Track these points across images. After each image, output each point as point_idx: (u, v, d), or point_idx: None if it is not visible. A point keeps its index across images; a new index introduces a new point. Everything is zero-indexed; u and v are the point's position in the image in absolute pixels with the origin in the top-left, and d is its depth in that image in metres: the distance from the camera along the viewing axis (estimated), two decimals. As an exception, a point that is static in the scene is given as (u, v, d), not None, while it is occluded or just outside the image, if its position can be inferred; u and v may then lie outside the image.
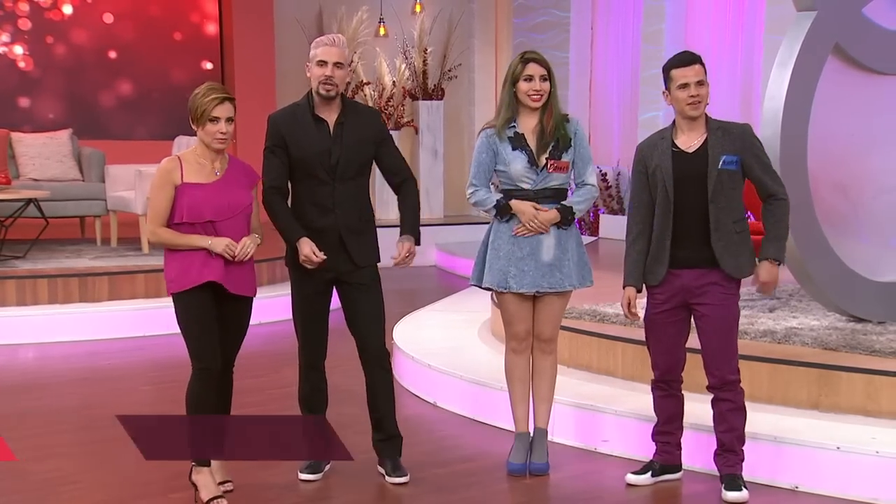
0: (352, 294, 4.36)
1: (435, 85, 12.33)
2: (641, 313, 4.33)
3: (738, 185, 4.15)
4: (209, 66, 12.06)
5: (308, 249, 4.19)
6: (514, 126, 4.39)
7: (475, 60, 13.09)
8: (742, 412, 4.18)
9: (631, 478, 4.37)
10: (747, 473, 4.22)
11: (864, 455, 4.17)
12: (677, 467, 4.40)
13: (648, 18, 10.81)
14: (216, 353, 4.05)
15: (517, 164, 4.34)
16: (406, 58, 12.28)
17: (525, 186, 4.36)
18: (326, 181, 4.26)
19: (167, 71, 11.86)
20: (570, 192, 4.43)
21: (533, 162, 4.33)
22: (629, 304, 4.31)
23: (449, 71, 12.48)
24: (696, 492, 4.30)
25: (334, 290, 4.42)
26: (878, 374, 4.60)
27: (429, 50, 12.28)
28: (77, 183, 9.60)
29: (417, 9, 12.64)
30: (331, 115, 4.30)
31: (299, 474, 4.43)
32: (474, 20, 13.07)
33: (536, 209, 4.32)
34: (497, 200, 4.36)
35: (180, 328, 4.07)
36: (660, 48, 10.63)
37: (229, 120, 4.02)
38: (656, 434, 4.39)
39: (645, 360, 4.98)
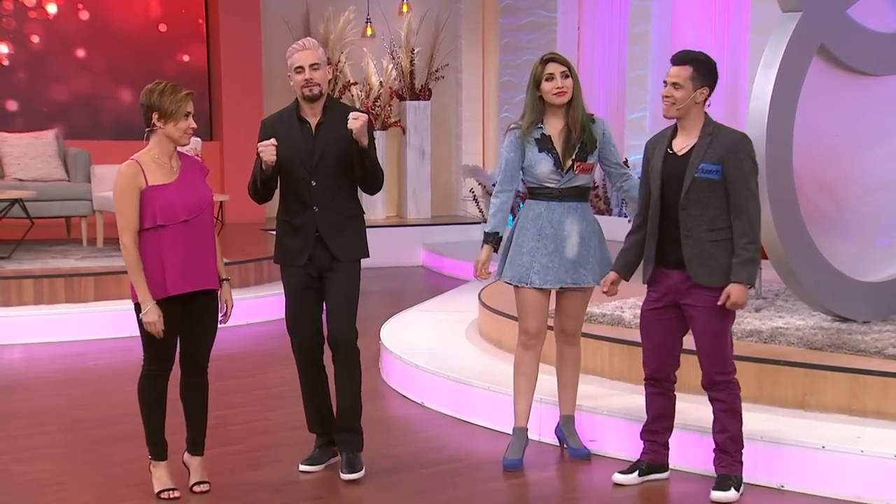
0: (326, 285, 4.42)
1: (422, 85, 12.32)
2: (638, 309, 4.36)
3: (720, 194, 4.08)
4: (188, 59, 12.02)
5: (268, 152, 4.24)
6: (540, 128, 4.46)
7: (462, 61, 13.09)
8: (735, 415, 4.16)
9: (618, 477, 4.38)
10: (733, 472, 4.24)
11: (849, 454, 4.18)
12: (664, 467, 4.41)
13: (635, 19, 10.83)
14: (172, 357, 4.14)
15: (543, 166, 4.44)
16: (393, 58, 12.27)
17: (550, 185, 4.47)
18: (306, 179, 4.35)
19: (154, 72, 11.81)
20: (610, 187, 4.51)
21: (558, 164, 4.43)
22: (606, 284, 4.40)
23: (436, 71, 12.47)
24: (683, 491, 4.31)
25: None
26: (862, 373, 4.62)
27: (416, 50, 12.27)
28: (63, 183, 9.56)
29: (404, 9, 12.63)
30: (314, 117, 4.40)
31: (300, 466, 4.48)
32: (461, 20, 13.07)
33: (480, 262, 4.52)
34: (485, 233, 4.54)
35: (142, 333, 4.07)
36: (646, 48, 10.66)
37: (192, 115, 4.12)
38: (645, 432, 4.40)
39: (632, 360, 5.01)
